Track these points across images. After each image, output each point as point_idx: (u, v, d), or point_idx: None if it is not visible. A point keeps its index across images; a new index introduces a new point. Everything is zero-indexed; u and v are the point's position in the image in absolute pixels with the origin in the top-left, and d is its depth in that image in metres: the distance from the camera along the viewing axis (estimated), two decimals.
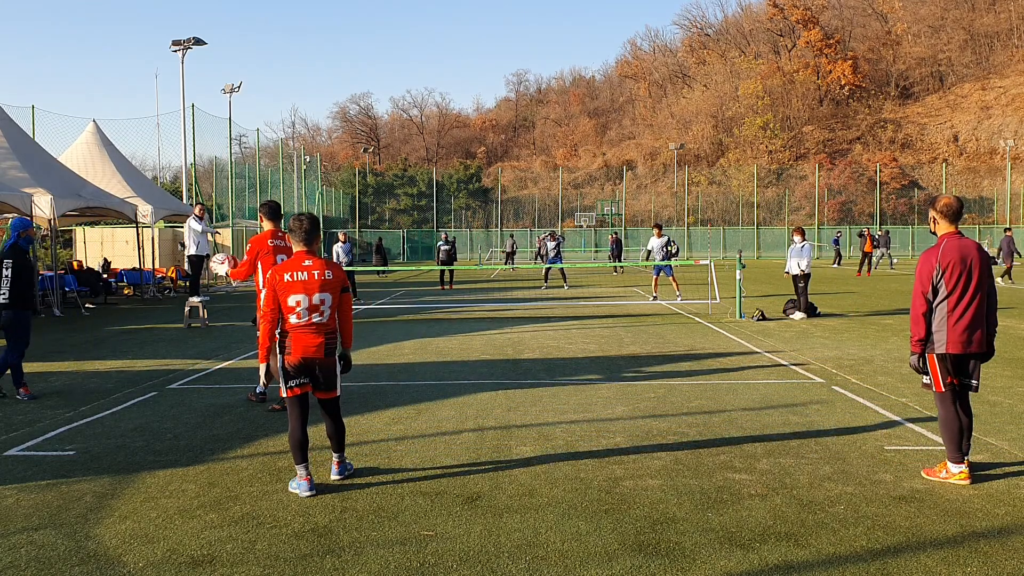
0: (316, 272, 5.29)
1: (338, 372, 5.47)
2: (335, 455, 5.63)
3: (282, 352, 5.32)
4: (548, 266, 25.52)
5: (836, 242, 40.33)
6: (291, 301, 5.24)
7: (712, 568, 4.04)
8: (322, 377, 5.36)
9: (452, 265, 26.38)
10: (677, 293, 20.03)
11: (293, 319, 5.27)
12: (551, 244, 25.77)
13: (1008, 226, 40.32)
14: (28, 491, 5.38)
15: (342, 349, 5.57)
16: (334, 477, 5.58)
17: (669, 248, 20.32)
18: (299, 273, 5.28)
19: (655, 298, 19.98)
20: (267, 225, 7.98)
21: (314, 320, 5.27)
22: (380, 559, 4.20)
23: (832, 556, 4.17)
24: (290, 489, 5.35)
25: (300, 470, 5.29)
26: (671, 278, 20.18)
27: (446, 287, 25.93)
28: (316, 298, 5.26)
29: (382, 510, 4.93)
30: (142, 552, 4.33)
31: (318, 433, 6.36)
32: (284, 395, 5.37)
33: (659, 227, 20.37)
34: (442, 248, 26.70)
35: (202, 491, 5.33)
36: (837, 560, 4.12)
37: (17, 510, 5.02)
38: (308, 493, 5.23)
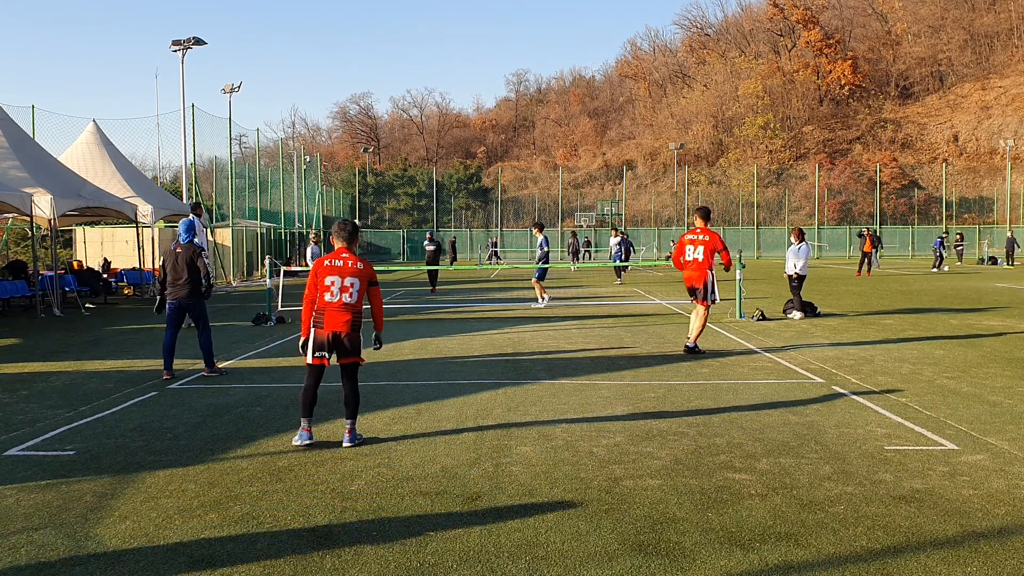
0: (350, 262, 6.40)
1: (361, 343, 6.40)
2: (347, 422, 6.37)
3: (316, 326, 6.29)
4: (618, 264, 26.03)
5: (940, 243, 36.61)
6: (327, 281, 6.31)
7: (712, 568, 4.04)
8: (348, 345, 6.30)
9: (438, 265, 24.90)
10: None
11: (327, 297, 6.29)
12: (614, 240, 25.80)
13: (1009, 227, 39.89)
14: (28, 491, 5.38)
15: (375, 332, 6.69)
16: (345, 444, 6.30)
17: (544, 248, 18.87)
18: (336, 261, 6.39)
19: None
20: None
21: (344, 300, 6.28)
22: (380, 559, 4.20)
23: (832, 556, 4.17)
24: (293, 443, 6.28)
25: (303, 422, 6.31)
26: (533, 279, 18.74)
27: (434, 289, 24.53)
28: (347, 281, 6.31)
29: (382, 510, 4.93)
30: (142, 552, 4.32)
31: (318, 430, 6.43)
32: (308, 362, 6.32)
33: (540, 226, 18.94)
34: (427, 248, 25.10)
35: (202, 491, 5.33)
36: (837, 560, 4.12)
37: (17, 510, 5.02)
38: (307, 442, 6.25)
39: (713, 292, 11.02)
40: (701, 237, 11.01)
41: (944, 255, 35.23)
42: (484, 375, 9.63)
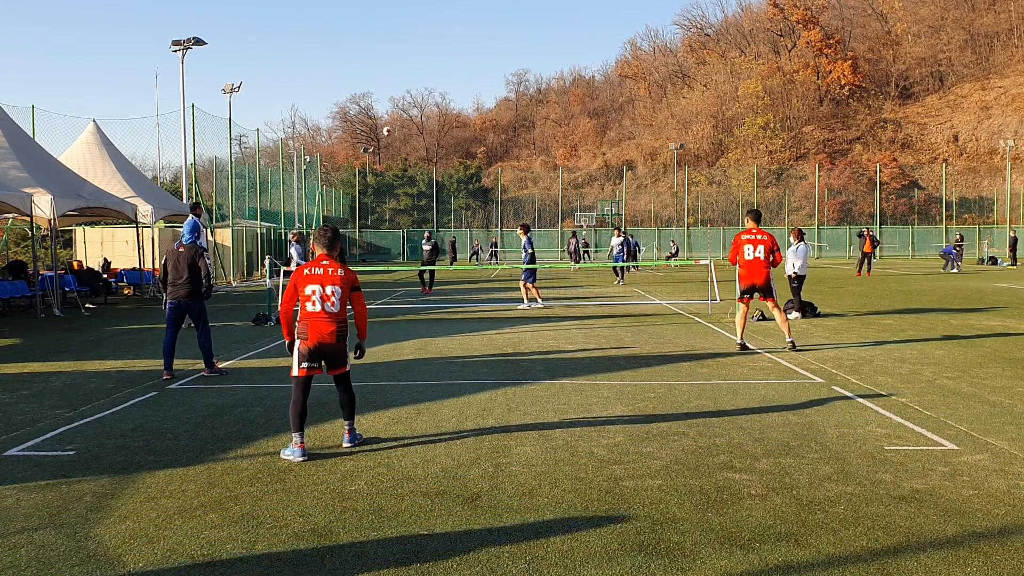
0: (330, 269, 6.19)
1: (347, 352, 6.22)
2: (346, 423, 6.37)
3: (300, 338, 6.09)
4: (619, 264, 25.82)
5: (950, 250, 35.55)
6: (307, 290, 6.11)
7: (712, 568, 4.04)
8: (334, 358, 6.15)
9: (435, 265, 24.66)
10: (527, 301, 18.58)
11: (309, 307, 6.10)
12: (616, 240, 25.59)
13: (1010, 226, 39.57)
14: (28, 491, 5.38)
15: (358, 340, 6.43)
16: (345, 444, 6.32)
17: (528, 249, 18.67)
18: (316, 269, 6.19)
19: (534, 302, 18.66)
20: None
21: (326, 309, 6.08)
22: (380, 559, 4.20)
23: (832, 556, 4.17)
24: (282, 456, 6.03)
25: (295, 437, 6.04)
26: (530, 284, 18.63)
27: (428, 290, 24.08)
28: (328, 289, 6.11)
29: (382, 510, 4.93)
30: (142, 552, 4.33)
31: (319, 430, 6.42)
32: (295, 374, 6.10)
33: (525, 228, 18.81)
34: (424, 247, 24.69)
35: (202, 491, 5.33)
36: (837, 560, 4.12)
37: (17, 510, 5.02)
38: (300, 459, 5.96)
39: (774, 288, 11.64)
40: (759, 237, 11.48)
41: (951, 261, 35.14)
42: (484, 375, 9.63)
